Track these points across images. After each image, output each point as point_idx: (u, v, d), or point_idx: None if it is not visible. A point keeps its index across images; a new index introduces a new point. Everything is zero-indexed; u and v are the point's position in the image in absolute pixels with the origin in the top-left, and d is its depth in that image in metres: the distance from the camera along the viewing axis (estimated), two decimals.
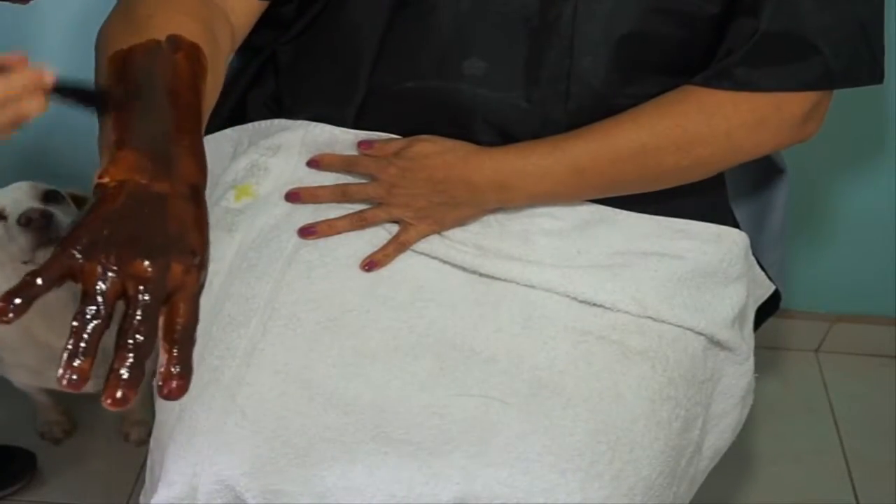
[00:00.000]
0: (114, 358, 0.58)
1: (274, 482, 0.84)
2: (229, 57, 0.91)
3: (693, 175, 0.95)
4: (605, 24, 0.90)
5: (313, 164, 0.98)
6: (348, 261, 0.94)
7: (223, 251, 0.95)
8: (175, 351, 0.60)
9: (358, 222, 0.95)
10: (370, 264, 0.93)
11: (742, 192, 1.13)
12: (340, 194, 0.96)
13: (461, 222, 0.96)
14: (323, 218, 0.95)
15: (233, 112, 1.05)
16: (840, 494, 1.58)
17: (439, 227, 0.95)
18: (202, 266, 0.63)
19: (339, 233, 0.95)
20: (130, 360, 0.58)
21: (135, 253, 0.61)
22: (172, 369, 0.60)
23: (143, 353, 0.59)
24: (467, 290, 0.94)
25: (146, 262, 0.61)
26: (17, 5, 0.81)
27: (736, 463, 1.55)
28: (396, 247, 0.95)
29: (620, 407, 0.88)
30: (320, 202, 0.97)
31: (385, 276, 0.94)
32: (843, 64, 0.90)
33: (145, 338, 0.59)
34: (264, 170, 0.99)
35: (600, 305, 0.94)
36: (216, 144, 1.04)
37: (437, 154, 0.93)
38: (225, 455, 0.83)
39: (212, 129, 1.04)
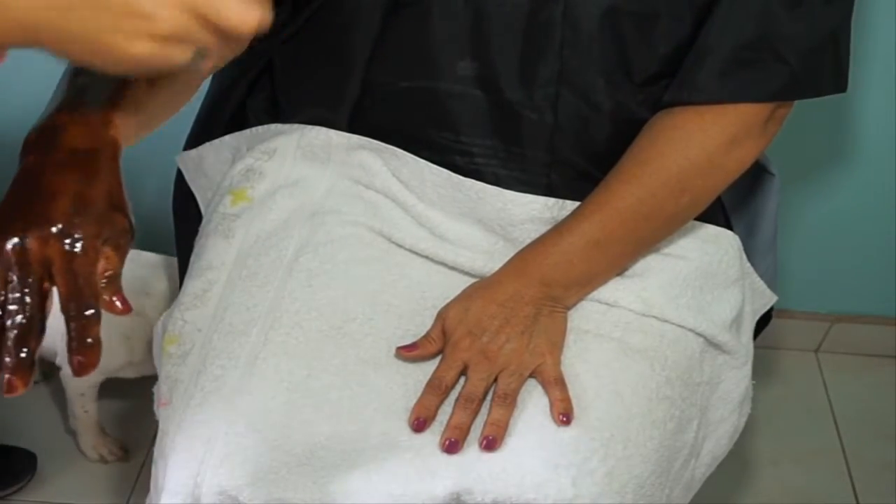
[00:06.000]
0: None
1: (276, 491, 0.84)
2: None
3: (701, 206, 0.96)
4: (594, 26, 0.91)
5: (419, 424, 0.87)
6: (348, 265, 0.94)
7: (222, 258, 0.95)
8: (68, 326, 0.60)
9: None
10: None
11: (733, 200, 1.13)
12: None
13: (560, 328, 0.93)
14: (330, 229, 0.95)
15: (232, 119, 1.05)
16: (840, 494, 1.59)
17: (551, 348, 0.92)
18: (67, 234, 0.62)
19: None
20: (9, 345, 0.58)
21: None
22: (71, 345, 0.59)
23: (22, 336, 0.58)
24: None
25: (3, 242, 0.61)
26: None
27: (736, 463, 1.55)
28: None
29: (617, 404, 0.88)
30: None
31: (388, 282, 0.94)
32: (809, 74, 0.91)
33: (20, 321, 0.58)
34: (259, 174, 0.99)
35: (604, 303, 0.95)
36: (216, 152, 1.05)
37: (464, 311, 0.91)
38: (227, 465, 0.83)
39: (213, 136, 1.05)
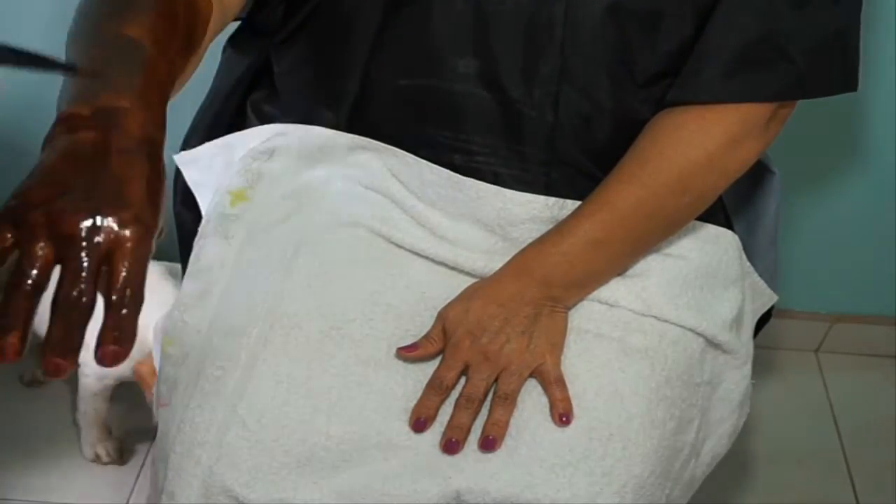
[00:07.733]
0: (49, 324, 0.55)
1: (276, 491, 0.84)
2: (217, 22, 0.86)
3: (702, 206, 0.96)
4: (596, 24, 0.91)
5: (419, 424, 0.88)
6: (348, 266, 0.94)
7: (222, 259, 0.95)
8: (112, 313, 0.56)
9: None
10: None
11: (734, 199, 1.13)
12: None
13: (560, 328, 0.93)
14: (329, 229, 0.95)
15: (232, 119, 1.05)
16: (840, 494, 1.59)
17: (551, 348, 0.92)
18: (141, 221, 0.59)
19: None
20: (65, 326, 0.55)
21: (65, 212, 0.57)
22: (110, 334, 0.56)
23: (77, 317, 0.55)
24: None
25: (75, 220, 0.57)
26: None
27: (736, 463, 1.55)
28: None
29: (617, 404, 0.88)
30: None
31: (388, 283, 0.94)
32: (815, 73, 0.91)
33: (79, 301, 0.56)
34: (258, 174, 0.99)
35: (604, 303, 0.95)
36: (216, 152, 1.04)
37: (464, 311, 0.91)
38: (226, 466, 0.83)
39: (212, 136, 1.05)
